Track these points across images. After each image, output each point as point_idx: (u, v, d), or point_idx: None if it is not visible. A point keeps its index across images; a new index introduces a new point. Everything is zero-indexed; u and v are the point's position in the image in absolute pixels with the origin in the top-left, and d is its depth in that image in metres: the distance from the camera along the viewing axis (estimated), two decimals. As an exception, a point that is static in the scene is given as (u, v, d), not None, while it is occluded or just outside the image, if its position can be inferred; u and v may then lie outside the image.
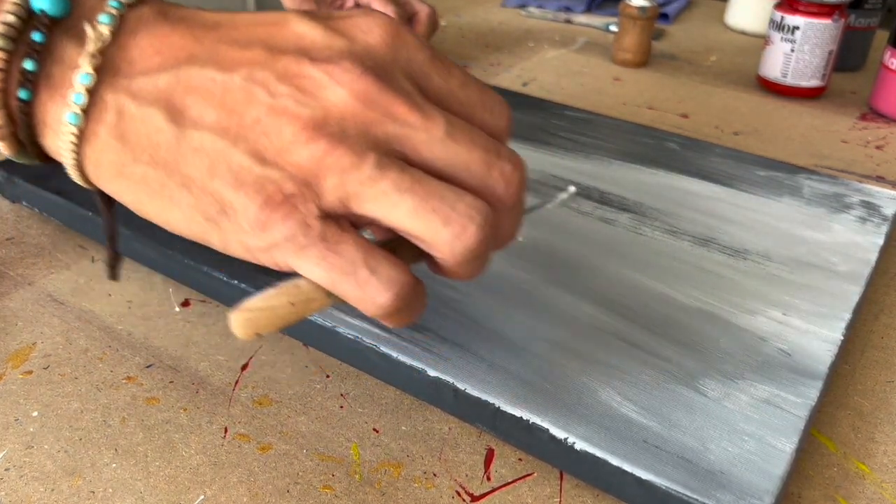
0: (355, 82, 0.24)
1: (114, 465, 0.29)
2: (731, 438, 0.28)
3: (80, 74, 0.24)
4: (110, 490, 0.28)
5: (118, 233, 0.30)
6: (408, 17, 0.73)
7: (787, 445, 0.28)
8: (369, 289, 0.24)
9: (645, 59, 0.77)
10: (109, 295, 0.38)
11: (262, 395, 0.33)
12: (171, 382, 0.33)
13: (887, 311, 0.41)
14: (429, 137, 0.24)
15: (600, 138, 0.53)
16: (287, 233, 0.24)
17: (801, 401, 0.30)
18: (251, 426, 0.31)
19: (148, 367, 0.34)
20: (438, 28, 0.78)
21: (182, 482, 0.28)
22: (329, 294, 0.25)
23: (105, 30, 0.25)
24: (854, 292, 0.37)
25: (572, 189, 0.37)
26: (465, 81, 0.27)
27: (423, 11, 0.73)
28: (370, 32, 0.25)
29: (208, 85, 0.24)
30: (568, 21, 0.91)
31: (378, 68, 0.25)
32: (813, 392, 0.31)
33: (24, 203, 0.44)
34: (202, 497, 0.28)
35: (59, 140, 0.25)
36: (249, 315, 0.25)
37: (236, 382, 0.33)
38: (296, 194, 0.23)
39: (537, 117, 0.56)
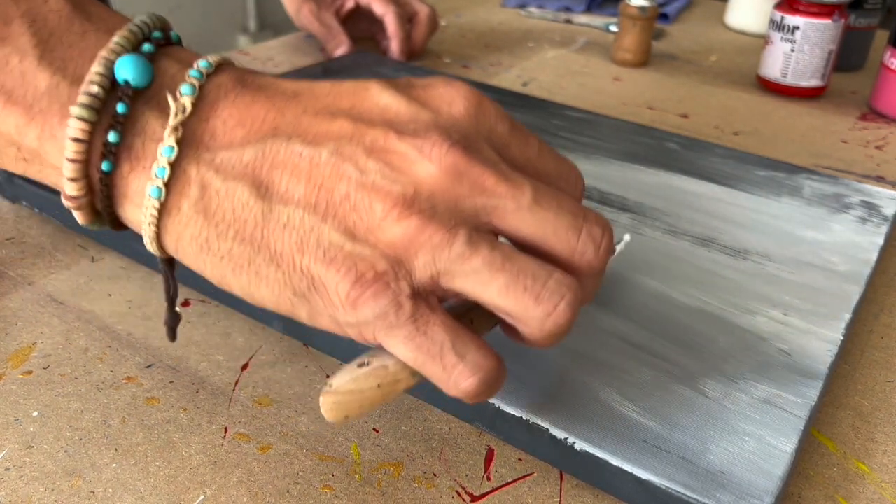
0: (445, 157, 0.24)
1: (114, 465, 0.29)
2: (732, 438, 0.28)
3: (164, 147, 0.24)
4: (110, 490, 0.28)
5: (177, 295, 0.30)
6: (408, 17, 0.74)
7: (787, 445, 0.28)
8: (455, 373, 0.24)
9: (645, 60, 0.77)
10: (109, 295, 0.38)
11: (262, 394, 0.33)
12: (171, 382, 0.33)
13: (887, 310, 0.41)
14: (517, 206, 0.24)
15: (600, 138, 0.53)
16: (378, 311, 0.23)
17: (801, 401, 0.30)
18: (251, 426, 0.31)
19: (148, 367, 0.34)
20: (438, 28, 0.78)
21: (182, 482, 0.28)
22: (415, 374, 0.25)
23: (187, 101, 0.24)
24: (854, 292, 0.37)
25: (627, 238, 0.37)
26: (541, 150, 0.26)
27: (423, 11, 0.74)
28: (454, 104, 0.25)
29: (295, 159, 0.24)
30: (568, 21, 0.91)
31: (464, 140, 0.24)
32: (813, 392, 0.31)
33: (24, 203, 0.44)
34: (202, 497, 0.28)
35: (139, 212, 0.25)
36: (339, 399, 0.25)
37: (236, 382, 0.33)
38: (388, 272, 0.23)
39: (537, 117, 0.56)
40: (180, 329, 0.36)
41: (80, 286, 0.39)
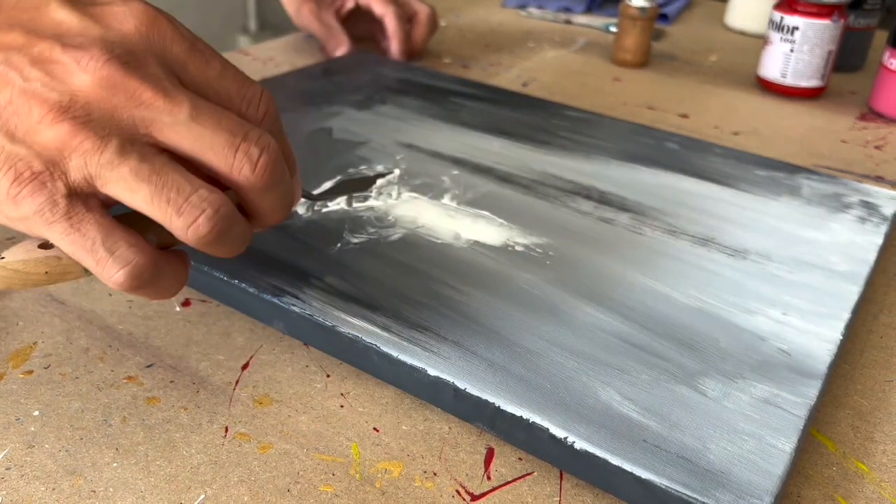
0: (100, 69, 0.26)
1: (115, 464, 0.29)
2: (731, 438, 0.29)
3: None
4: (111, 489, 0.28)
5: None
6: (408, 18, 0.74)
7: (786, 445, 0.28)
8: (106, 266, 0.26)
9: (645, 60, 0.77)
10: (110, 295, 0.38)
11: (262, 394, 0.33)
12: (171, 382, 0.33)
13: (887, 310, 0.41)
14: (173, 120, 0.26)
15: (600, 138, 0.53)
16: (35, 207, 0.25)
17: (800, 400, 0.30)
18: (252, 425, 0.31)
19: (148, 366, 0.34)
20: (438, 28, 0.78)
21: (183, 481, 0.28)
22: (85, 269, 0.27)
23: None
24: (853, 292, 0.37)
25: (397, 172, 0.38)
26: (222, 73, 0.28)
27: (422, 11, 0.74)
28: (125, 21, 0.27)
29: None
30: (568, 21, 0.91)
31: (127, 55, 0.26)
32: (812, 391, 0.31)
33: (24, 203, 0.44)
34: (203, 496, 0.28)
35: None
36: (4, 273, 0.27)
37: (237, 382, 0.33)
38: (43, 172, 0.25)
39: (537, 117, 0.56)
40: (181, 328, 0.36)
41: (81, 286, 0.39)
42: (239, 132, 0.27)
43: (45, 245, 0.28)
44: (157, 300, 0.29)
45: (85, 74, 0.26)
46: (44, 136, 0.25)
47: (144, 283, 0.27)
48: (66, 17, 0.27)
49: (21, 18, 0.27)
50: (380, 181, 0.38)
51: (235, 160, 0.27)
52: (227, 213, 0.27)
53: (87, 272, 0.28)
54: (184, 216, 0.26)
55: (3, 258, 0.27)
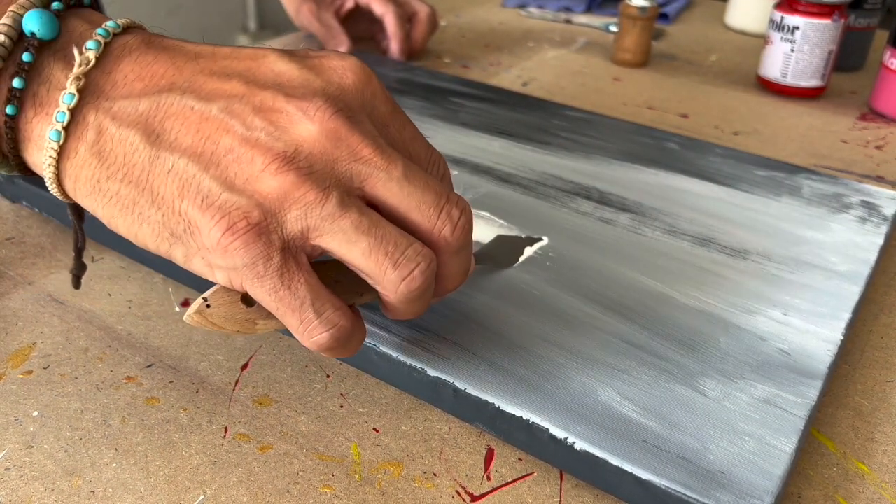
0: (327, 121, 0.25)
1: (114, 464, 0.29)
2: (731, 438, 0.28)
3: (65, 94, 0.26)
4: (110, 490, 0.28)
5: (86, 246, 0.33)
6: (407, 17, 0.74)
7: (786, 445, 0.28)
8: (310, 328, 0.26)
9: (645, 60, 0.77)
10: (109, 295, 0.38)
11: (262, 394, 0.33)
12: (171, 382, 0.33)
13: (887, 310, 0.41)
14: (388, 177, 0.26)
15: (600, 138, 0.53)
16: (248, 260, 0.25)
17: (800, 400, 0.30)
18: (251, 426, 0.31)
19: (148, 366, 0.34)
20: (438, 28, 0.78)
21: (182, 482, 0.28)
22: (275, 323, 0.27)
23: (91, 55, 0.26)
24: (854, 292, 0.37)
25: (545, 241, 0.39)
26: (415, 136, 0.29)
27: (422, 11, 0.73)
28: (345, 76, 0.27)
29: (186, 112, 0.26)
30: (568, 21, 0.91)
31: (348, 110, 0.26)
32: (812, 392, 0.31)
33: (24, 203, 0.44)
34: (202, 497, 0.28)
35: (41, 155, 0.27)
36: (205, 322, 0.27)
37: (236, 382, 0.33)
38: (261, 223, 0.25)
39: (537, 117, 0.56)
40: (180, 329, 0.36)
41: (82, 286, 0.39)
42: (443, 194, 0.27)
43: (247, 299, 0.27)
44: (333, 357, 0.29)
45: (312, 125, 0.25)
46: (266, 185, 0.25)
47: (342, 346, 0.27)
48: (286, 69, 0.27)
49: (238, 68, 0.27)
50: (527, 250, 0.39)
51: (439, 220, 0.27)
52: (434, 270, 0.27)
53: (275, 324, 0.28)
54: (399, 269, 0.26)
55: (207, 305, 0.27)
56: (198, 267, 0.27)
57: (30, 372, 0.33)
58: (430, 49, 0.79)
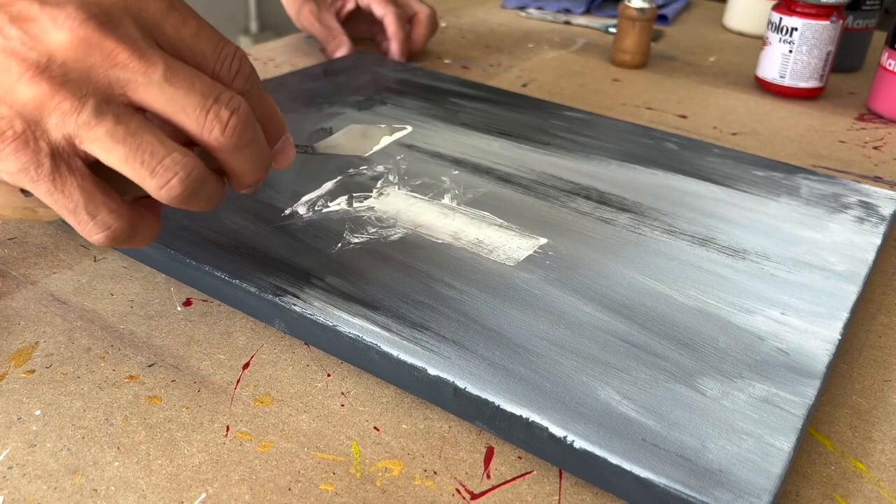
0: (77, 28, 0.26)
1: (116, 463, 0.29)
2: (730, 437, 0.29)
3: None
4: (112, 488, 0.28)
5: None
6: (408, 18, 0.74)
7: (785, 444, 0.28)
8: (87, 228, 0.28)
9: (644, 61, 0.77)
10: (111, 294, 0.38)
11: (263, 393, 0.33)
12: (172, 381, 0.33)
13: (885, 310, 0.41)
14: (147, 81, 0.26)
15: (600, 138, 0.53)
16: (19, 166, 0.26)
17: (799, 400, 0.31)
18: (253, 425, 0.31)
19: (150, 366, 0.34)
20: (438, 29, 0.78)
21: (184, 480, 0.29)
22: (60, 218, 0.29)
23: None
24: (852, 292, 0.38)
25: (408, 129, 0.38)
26: (198, 32, 0.29)
27: (422, 12, 0.74)
28: None
29: None
30: (567, 22, 0.92)
31: (104, 15, 0.26)
32: (811, 391, 0.31)
33: (25, 203, 0.44)
34: (204, 495, 0.28)
35: None
36: None
37: (238, 381, 0.33)
38: (25, 131, 0.26)
39: (537, 118, 0.56)
40: (182, 328, 0.36)
41: (83, 286, 0.39)
42: (210, 94, 0.27)
43: (25, 193, 0.29)
44: (129, 247, 0.32)
45: (61, 33, 0.26)
46: (22, 94, 0.26)
47: (122, 242, 0.29)
48: None
49: None
50: (384, 139, 0.38)
51: (206, 121, 0.27)
52: (199, 175, 0.28)
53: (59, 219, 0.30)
54: (157, 178, 0.27)
55: None
56: None
57: (32, 371, 0.33)
58: (430, 50, 0.79)
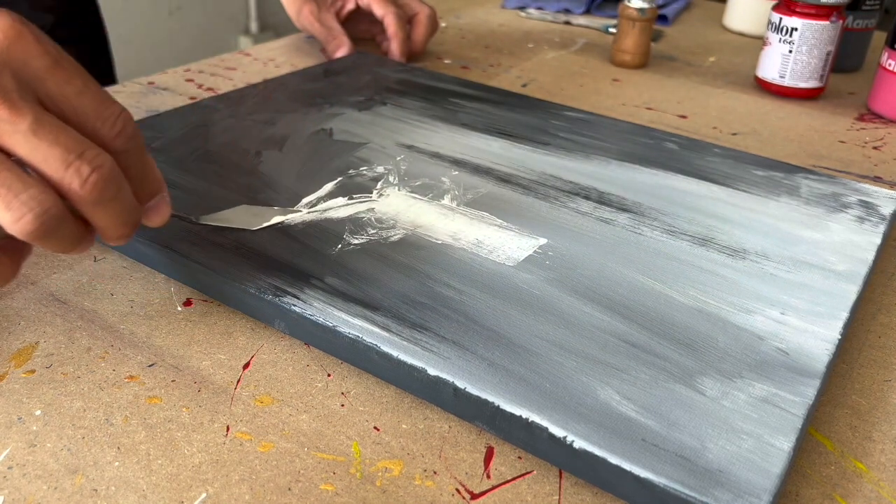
0: None
1: (116, 463, 0.29)
2: (730, 437, 0.29)
3: None
4: (112, 488, 0.28)
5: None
6: (408, 18, 0.74)
7: (784, 444, 0.28)
8: None
9: (644, 61, 0.77)
10: (112, 294, 0.38)
11: (263, 393, 0.33)
12: (173, 381, 0.33)
13: (885, 310, 0.41)
14: (14, 129, 0.28)
15: (600, 138, 0.53)
16: None
17: (798, 399, 0.31)
18: (253, 425, 0.31)
19: (150, 366, 0.34)
20: (438, 29, 0.78)
21: (184, 480, 0.29)
22: None
23: None
24: (852, 291, 0.38)
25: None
26: (82, 91, 0.30)
27: (422, 12, 0.74)
28: None
29: None
30: (567, 23, 0.92)
31: None
32: (811, 391, 0.31)
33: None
34: (204, 495, 0.28)
35: None
36: None
37: (238, 381, 0.33)
38: None
39: (537, 118, 0.56)
40: (182, 328, 0.36)
41: (83, 285, 0.39)
42: (74, 149, 0.29)
43: None
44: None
45: None
46: None
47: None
48: None
49: None
50: (275, 218, 0.39)
51: (66, 175, 0.28)
52: (56, 214, 0.29)
53: None
54: (12, 211, 0.28)
55: None
56: None
57: (32, 371, 0.33)
58: (430, 50, 0.79)
